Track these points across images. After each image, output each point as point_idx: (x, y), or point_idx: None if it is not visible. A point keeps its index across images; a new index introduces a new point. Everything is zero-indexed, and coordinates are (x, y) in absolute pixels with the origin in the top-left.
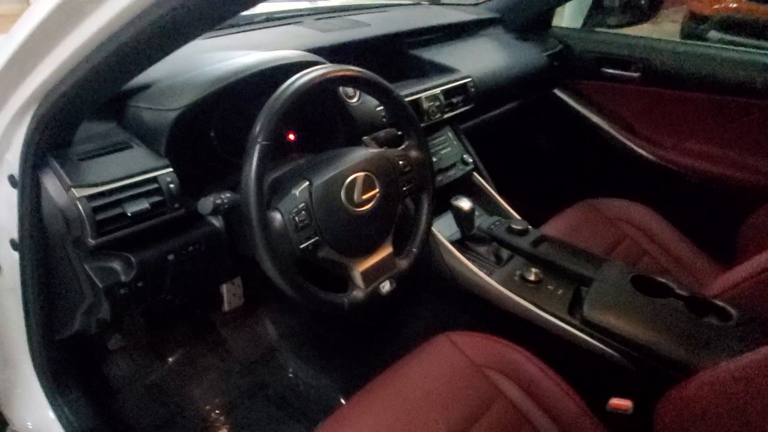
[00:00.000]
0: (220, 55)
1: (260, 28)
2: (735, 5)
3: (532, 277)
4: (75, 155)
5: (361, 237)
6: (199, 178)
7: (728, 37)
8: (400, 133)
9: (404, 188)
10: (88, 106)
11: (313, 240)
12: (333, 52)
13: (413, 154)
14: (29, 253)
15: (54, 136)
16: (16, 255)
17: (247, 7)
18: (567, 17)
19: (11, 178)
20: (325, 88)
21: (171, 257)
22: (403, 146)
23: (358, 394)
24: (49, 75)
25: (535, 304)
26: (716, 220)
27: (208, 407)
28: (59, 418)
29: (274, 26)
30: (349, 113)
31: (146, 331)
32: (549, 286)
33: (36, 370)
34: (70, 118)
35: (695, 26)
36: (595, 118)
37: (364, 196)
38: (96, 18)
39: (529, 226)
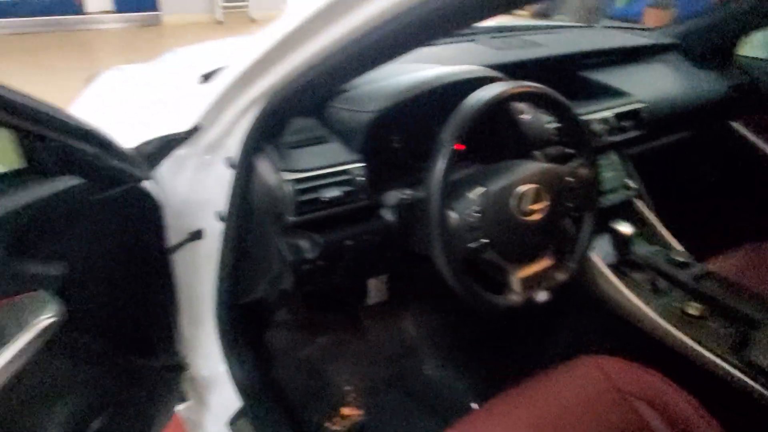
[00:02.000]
0: (410, 67)
1: (439, 44)
2: None
3: (694, 312)
4: (285, 144)
5: (525, 245)
6: (381, 175)
7: None
8: (568, 150)
9: (569, 204)
10: (305, 104)
11: (482, 241)
12: (506, 70)
13: (582, 172)
14: (233, 224)
15: (273, 127)
16: (219, 226)
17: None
18: (756, 46)
19: (229, 160)
20: (511, 101)
21: (349, 243)
22: (573, 164)
23: (493, 400)
24: (282, 76)
25: (696, 340)
26: None
27: (349, 388)
28: (230, 370)
29: (452, 42)
30: (520, 128)
31: (304, 311)
32: (712, 324)
33: (218, 328)
34: (289, 113)
35: None
36: None
37: (533, 207)
38: (327, 34)
39: (693, 260)
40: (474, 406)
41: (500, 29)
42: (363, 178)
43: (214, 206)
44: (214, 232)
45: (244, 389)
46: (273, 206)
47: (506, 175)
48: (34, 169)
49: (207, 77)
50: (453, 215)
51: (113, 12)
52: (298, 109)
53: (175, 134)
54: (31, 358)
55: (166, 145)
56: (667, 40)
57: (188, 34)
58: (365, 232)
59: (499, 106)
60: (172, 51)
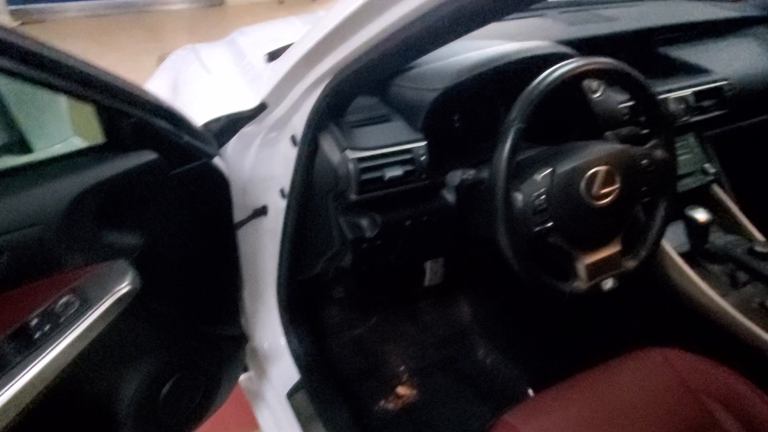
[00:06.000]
0: (476, 43)
1: (508, 19)
2: None
3: None
4: (348, 123)
5: (593, 230)
6: (442, 154)
7: None
8: (643, 131)
9: (643, 188)
10: (369, 82)
11: (548, 225)
12: (577, 46)
13: (658, 154)
14: (295, 201)
15: (337, 105)
16: (282, 203)
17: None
18: None
19: (293, 138)
20: (583, 79)
21: (408, 223)
22: (648, 145)
23: (553, 388)
24: (348, 54)
25: None
26: None
27: (401, 368)
28: (289, 344)
29: (520, 18)
30: (591, 107)
31: (360, 290)
32: None
33: (278, 303)
34: (353, 91)
35: None
36: None
37: (603, 191)
38: (395, 11)
39: None
40: (530, 392)
41: (572, 3)
42: (425, 158)
43: (278, 183)
44: (278, 208)
45: (302, 363)
46: (335, 184)
47: (576, 155)
48: (113, 144)
49: (273, 56)
50: (518, 197)
51: None
52: (362, 87)
53: (242, 112)
54: (111, 323)
55: (234, 123)
56: (756, 12)
57: (251, 14)
58: (424, 212)
59: (570, 85)
60: (238, 31)
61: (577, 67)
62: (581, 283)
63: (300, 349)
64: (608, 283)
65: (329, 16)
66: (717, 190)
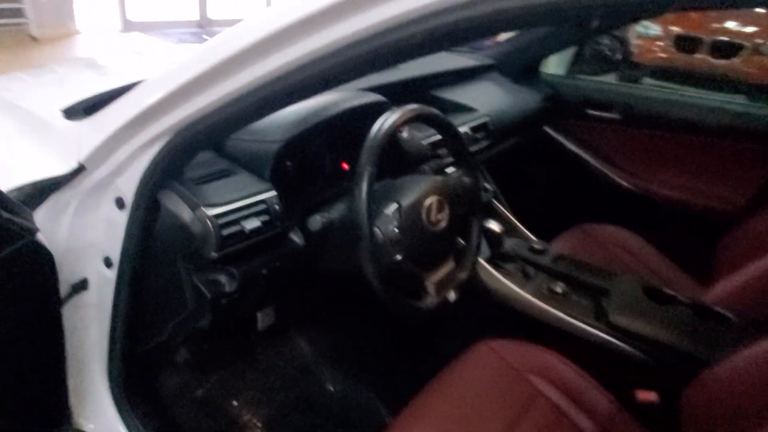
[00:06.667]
0: None
1: None
2: (664, 55)
3: (558, 290)
4: (191, 180)
5: (434, 252)
6: (287, 201)
7: (659, 83)
8: (445, 161)
9: (462, 210)
10: (212, 140)
11: (402, 254)
12: (378, 92)
13: (466, 180)
14: (129, 268)
15: (177, 163)
16: (108, 272)
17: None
18: (553, 65)
19: (119, 201)
20: (407, 124)
21: (264, 271)
22: (455, 174)
23: (409, 406)
24: (192, 113)
25: (566, 313)
26: (691, 242)
27: (255, 420)
28: (125, 423)
29: None
30: (401, 146)
31: (197, 348)
32: (574, 297)
33: (109, 378)
34: (195, 149)
35: (630, 72)
36: (582, 153)
37: (438, 216)
38: (249, 72)
39: (547, 246)
40: (387, 413)
41: None
42: (278, 206)
43: (100, 252)
44: (102, 280)
45: None
46: (187, 244)
47: (413, 190)
48: None
49: (71, 112)
50: (377, 231)
51: None
52: (207, 144)
53: (52, 178)
54: None
55: (42, 191)
56: (487, 61)
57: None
58: (277, 258)
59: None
60: None
61: (404, 115)
62: (432, 299)
63: (139, 426)
64: (452, 295)
65: (171, 73)
66: (496, 204)
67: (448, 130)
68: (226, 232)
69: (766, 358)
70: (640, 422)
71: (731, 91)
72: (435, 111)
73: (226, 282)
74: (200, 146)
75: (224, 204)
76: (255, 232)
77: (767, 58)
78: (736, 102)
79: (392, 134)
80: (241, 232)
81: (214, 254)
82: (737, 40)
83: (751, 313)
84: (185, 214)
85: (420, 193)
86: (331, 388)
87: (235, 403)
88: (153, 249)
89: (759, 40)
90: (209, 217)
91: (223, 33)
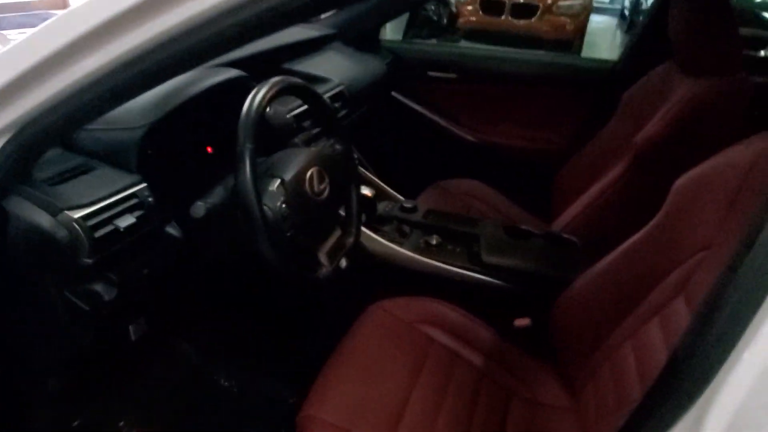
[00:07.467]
0: None
1: None
2: (474, 18)
3: (434, 242)
4: (42, 181)
5: (322, 222)
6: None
7: (471, 44)
8: (314, 132)
9: (340, 177)
10: (60, 137)
11: (294, 228)
12: (235, 67)
13: (338, 148)
14: None
15: (23, 163)
16: None
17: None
18: (390, 31)
19: None
20: (277, 97)
21: (146, 271)
22: (328, 142)
23: (316, 382)
24: (33, 107)
25: (444, 262)
26: (531, 184)
27: None
28: None
29: None
30: (267, 121)
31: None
32: (449, 246)
33: None
34: (42, 148)
35: (453, 36)
36: (429, 113)
37: (320, 187)
38: (94, 58)
39: (416, 204)
40: (292, 396)
41: None
42: (151, 199)
43: None
44: None
45: None
46: (51, 255)
47: (292, 163)
48: None
49: None
50: (267, 209)
51: None
52: (56, 142)
53: None
54: None
55: None
56: (329, 31)
57: None
58: (157, 254)
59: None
60: None
61: (274, 86)
62: (327, 269)
63: None
64: (343, 262)
65: (6, 60)
66: (362, 170)
67: (316, 101)
68: (98, 234)
69: (608, 272)
70: (521, 348)
71: (535, 47)
72: (303, 82)
73: (103, 290)
74: (51, 141)
75: (91, 204)
76: (131, 229)
77: (558, 17)
78: (541, 54)
79: (265, 108)
80: (116, 231)
81: (87, 261)
82: (533, 2)
83: (589, 236)
84: (44, 220)
85: (300, 165)
86: (226, 383)
87: (121, 424)
88: (6, 267)
89: (549, 1)
90: (76, 220)
91: (68, 11)
